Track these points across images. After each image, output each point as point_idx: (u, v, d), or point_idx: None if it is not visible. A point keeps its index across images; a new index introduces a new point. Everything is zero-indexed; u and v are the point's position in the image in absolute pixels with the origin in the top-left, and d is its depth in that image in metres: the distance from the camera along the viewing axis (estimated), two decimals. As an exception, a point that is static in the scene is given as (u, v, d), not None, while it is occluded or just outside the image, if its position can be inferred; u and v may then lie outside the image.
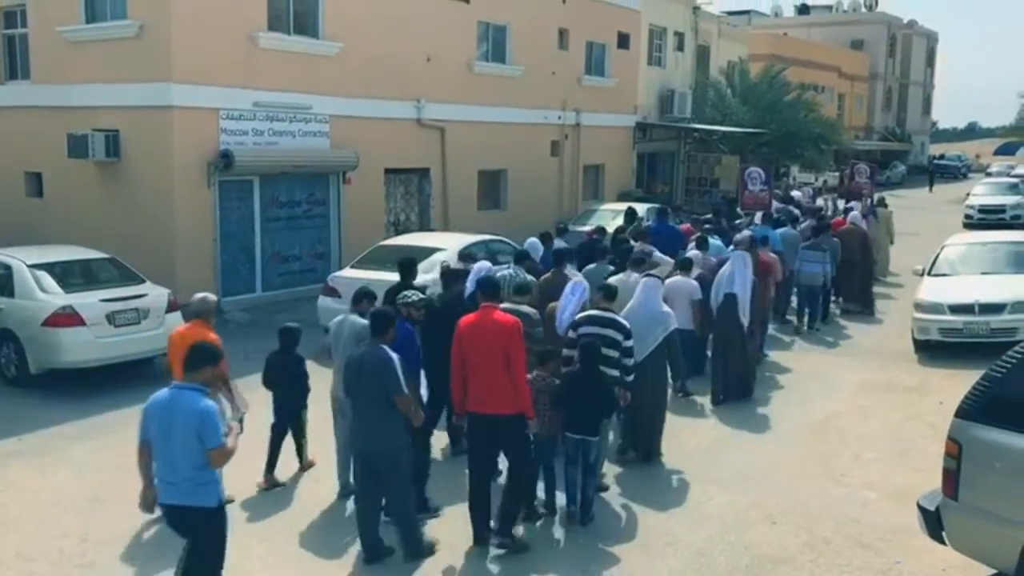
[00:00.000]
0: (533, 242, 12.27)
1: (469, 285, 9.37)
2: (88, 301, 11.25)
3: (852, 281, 16.28)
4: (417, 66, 19.44)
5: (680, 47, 31.24)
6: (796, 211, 18.89)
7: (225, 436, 5.40)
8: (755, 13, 56.93)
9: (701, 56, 33.08)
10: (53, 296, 11.23)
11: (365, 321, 7.43)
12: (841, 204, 23.13)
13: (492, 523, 7.11)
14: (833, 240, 15.64)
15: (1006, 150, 63.33)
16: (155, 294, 12.02)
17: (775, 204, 20.07)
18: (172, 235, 15.21)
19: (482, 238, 14.53)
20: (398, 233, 18.42)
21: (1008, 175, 43.34)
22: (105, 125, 15.45)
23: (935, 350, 13.07)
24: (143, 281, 12.29)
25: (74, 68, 15.99)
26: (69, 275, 11.89)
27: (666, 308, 8.94)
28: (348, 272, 13.92)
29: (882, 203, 20.88)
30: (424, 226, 19.98)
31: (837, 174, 44.69)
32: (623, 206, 21.36)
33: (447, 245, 13.83)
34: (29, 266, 11.52)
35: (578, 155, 25.36)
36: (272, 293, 16.94)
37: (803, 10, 63.48)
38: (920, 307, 13.26)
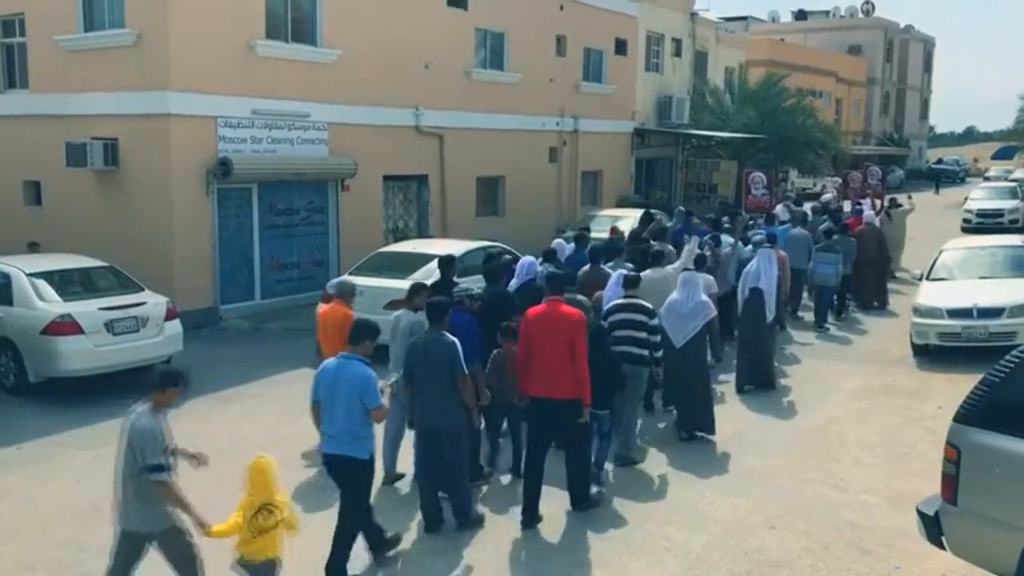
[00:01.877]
0: (560, 243, 13.14)
1: (516, 280, 10.59)
2: (87, 309, 11.25)
3: (868, 278, 16.92)
4: (415, 73, 19.48)
5: (678, 53, 31.28)
6: (807, 212, 19.35)
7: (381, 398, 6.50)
8: (752, 19, 57.03)
9: (699, 62, 33.12)
10: (52, 304, 11.22)
11: (417, 316, 8.17)
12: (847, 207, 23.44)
13: (570, 500, 7.82)
14: (850, 240, 16.22)
15: (1004, 154, 63.27)
16: (154, 302, 12.02)
17: (779, 207, 20.47)
18: (171, 243, 15.22)
19: (481, 245, 14.55)
20: (396, 240, 18.42)
21: (1006, 179, 43.36)
22: (103, 134, 15.47)
23: (934, 354, 13.08)
24: (142, 289, 12.29)
25: (72, 77, 16.01)
26: (68, 283, 11.90)
27: (705, 298, 9.89)
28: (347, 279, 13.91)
29: (895, 204, 21.39)
30: (423, 233, 19.99)
31: (838, 179, 44.73)
32: (621, 212, 21.47)
33: (446, 252, 13.84)
34: (28, 275, 11.50)
35: (576, 161, 25.38)
36: (271, 300, 16.94)
37: (800, 16, 63.64)
38: (918, 311, 13.27)
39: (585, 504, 7.85)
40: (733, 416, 10.62)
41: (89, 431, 10.16)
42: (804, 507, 7.94)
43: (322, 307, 9.23)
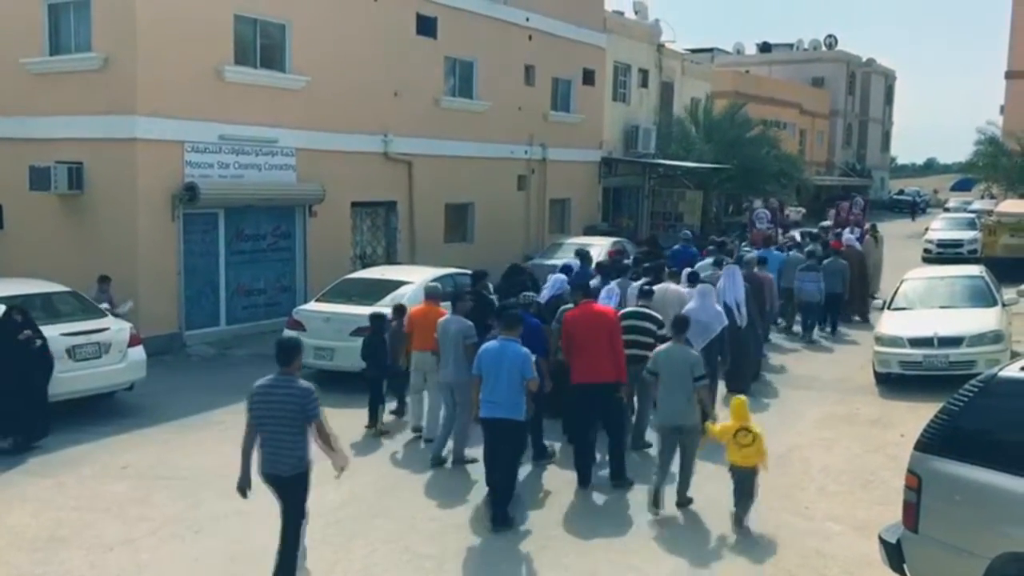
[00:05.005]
0: (570, 264, 14.58)
1: (546, 292, 11.69)
2: (48, 335, 11.02)
3: (853, 295, 18.33)
4: (384, 100, 19.54)
5: (645, 84, 31.65)
6: (797, 236, 22.26)
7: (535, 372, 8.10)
8: (718, 51, 57.91)
9: (665, 93, 33.52)
10: (12, 330, 11.01)
11: (467, 321, 9.71)
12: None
13: (610, 475, 9.08)
14: (842, 263, 17.76)
15: (963, 186, 64.40)
16: (117, 328, 11.87)
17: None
18: (135, 268, 15.06)
19: (449, 271, 14.57)
20: (364, 266, 18.37)
21: (965, 210, 44.09)
22: (68, 157, 15.31)
23: (896, 383, 13.24)
24: (105, 315, 12.14)
25: (37, 100, 15.84)
26: (29, 309, 11.66)
27: (719, 307, 11.18)
28: (314, 306, 13.86)
29: (874, 230, 22.85)
30: (391, 259, 19.97)
31: (802, 209, 45.43)
32: (589, 240, 21.63)
33: (414, 278, 13.85)
34: (-12, 300, 11.28)
35: (544, 189, 25.54)
36: (236, 326, 16.80)
37: (765, 48, 64.56)
38: (880, 340, 13.45)
39: (623, 480, 9.00)
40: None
41: (49, 459, 9.99)
42: (769, 535, 7.97)
43: (414, 308, 11.08)
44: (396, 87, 19.78)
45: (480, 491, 8.95)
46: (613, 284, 11.61)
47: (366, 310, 12.90)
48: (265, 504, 8.66)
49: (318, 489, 8.77)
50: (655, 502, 8.38)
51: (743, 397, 8.30)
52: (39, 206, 15.76)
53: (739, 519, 8.07)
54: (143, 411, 11.88)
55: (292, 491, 6.63)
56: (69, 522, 8.24)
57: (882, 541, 6.26)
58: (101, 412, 11.70)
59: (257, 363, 14.82)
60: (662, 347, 8.82)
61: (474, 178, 22.39)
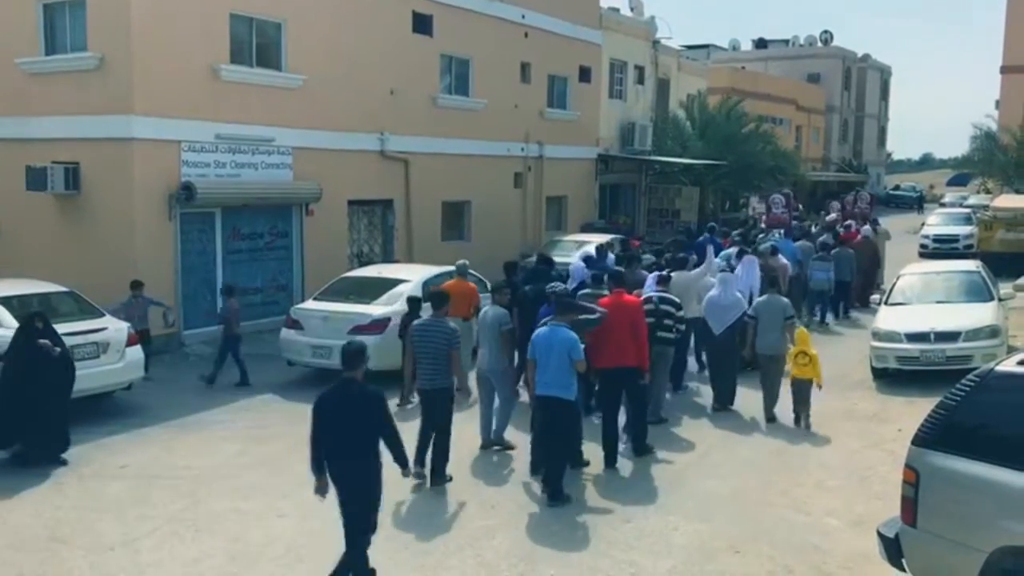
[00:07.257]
0: (587, 253, 15.35)
1: (573, 280, 12.79)
2: (45, 336, 11.05)
3: (862, 282, 19.52)
4: (381, 99, 19.53)
5: (641, 80, 31.63)
6: (809, 227, 23.76)
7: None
8: (714, 47, 57.79)
9: (661, 89, 33.51)
10: (9, 330, 11.00)
11: (503, 310, 10.37)
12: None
13: (632, 447, 9.90)
14: (849, 252, 18.84)
15: (958, 181, 64.40)
16: (115, 328, 11.88)
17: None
18: (132, 268, 14.98)
19: (446, 269, 14.57)
20: (361, 265, 18.37)
21: (961, 205, 44.09)
22: (65, 158, 15.30)
23: (893, 378, 13.27)
24: (102, 315, 12.14)
25: (33, 100, 15.82)
26: (27, 309, 11.67)
27: (738, 294, 12.05)
28: (311, 304, 13.87)
29: (875, 223, 23.52)
30: (387, 258, 19.96)
31: (800, 206, 45.57)
32: (586, 237, 21.65)
33: (411, 277, 13.87)
34: (-15, 300, 11.29)
35: (541, 187, 25.53)
36: (234, 326, 16.77)
37: (760, 44, 64.52)
38: (878, 335, 13.48)
39: (644, 448, 9.90)
40: (696, 440, 10.70)
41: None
42: (768, 531, 8.00)
43: (447, 283, 12.19)
44: (392, 85, 19.77)
45: (480, 490, 8.96)
46: (654, 273, 12.30)
47: (364, 308, 12.94)
48: (264, 504, 8.70)
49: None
50: (769, 417, 11.18)
51: (804, 329, 11.37)
52: (36, 206, 15.74)
53: (798, 419, 10.91)
54: (141, 411, 11.89)
55: (442, 400, 8.96)
56: (69, 522, 8.25)
57: (880, 536, 6.29)
58: (100, 412, 11.70)
59: (255, 362, 14.85)
60: (761, 298, 11.56)
61: (471, 176, 22.38)
